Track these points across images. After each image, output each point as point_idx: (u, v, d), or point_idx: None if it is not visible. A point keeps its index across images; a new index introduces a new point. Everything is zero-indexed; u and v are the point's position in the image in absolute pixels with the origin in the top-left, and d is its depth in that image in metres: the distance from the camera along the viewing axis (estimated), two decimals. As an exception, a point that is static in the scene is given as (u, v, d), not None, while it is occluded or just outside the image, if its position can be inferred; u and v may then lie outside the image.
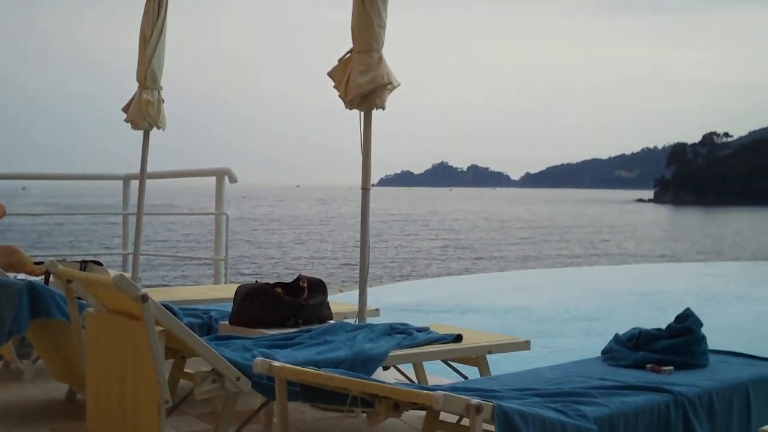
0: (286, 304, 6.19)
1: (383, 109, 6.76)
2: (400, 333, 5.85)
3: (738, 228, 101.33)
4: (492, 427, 3.71)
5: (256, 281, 6.41)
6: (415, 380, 6.42)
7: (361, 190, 6.78)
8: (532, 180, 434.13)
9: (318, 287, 6.43)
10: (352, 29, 6.71)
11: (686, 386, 4.65)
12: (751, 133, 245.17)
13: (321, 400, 4.92)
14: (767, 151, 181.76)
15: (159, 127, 9.05)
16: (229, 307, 6.48)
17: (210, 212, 10.91)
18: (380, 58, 6.69)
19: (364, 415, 4.47)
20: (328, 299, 6.58)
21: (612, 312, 17.53)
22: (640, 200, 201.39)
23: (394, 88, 6.77)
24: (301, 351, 5.31)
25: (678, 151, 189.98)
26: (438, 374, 7.02)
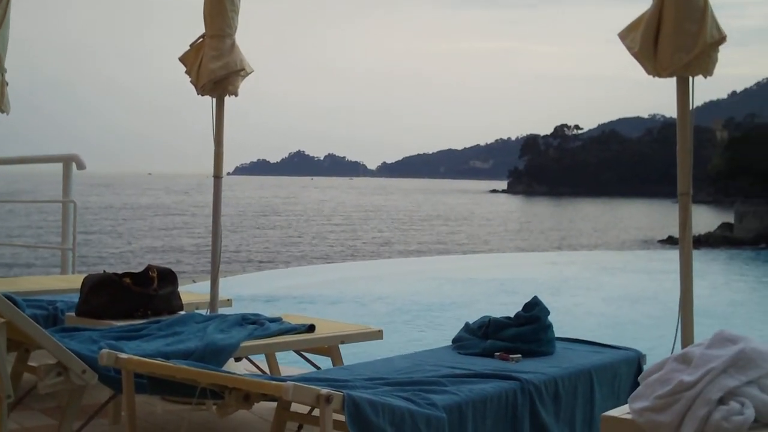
0: (135, 295, 6.06)
1: (236, 95, 6.68)
2: (252, 323, 5.79)
3: (587, 218, 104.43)
4: (342, 417, 3.70)
5: (104, 271, 6.25)
6: (268, 371, 6.38)
7: (213, 179, 6.70)
8: (388, 170, 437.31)
9: (168, 277, 6.31)
10: (204, 13, 6.60)
11: (533, 374, 4.74)
12: (600, 126, 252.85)
13: (170, 393, 4.83)
14: (615, 144, 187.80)
15: (3, 111, 8.72)
16: (76, 298, 6.31)
17: (57, 200, 10.56)
18: (233, 44, 6.61)
19: (215, 407, 4.42)
20: (180, 289, 6.48)
21: (466, 300, 17.80)
22: (494, 190, 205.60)
23: (248, 74, 6.70)
24: (149, 342, 5.20)
25: (530, 142, 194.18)
26: (291, 365, 6.99)
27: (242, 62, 6.60)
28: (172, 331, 5.50)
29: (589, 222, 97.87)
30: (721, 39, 5.05)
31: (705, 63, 5.08)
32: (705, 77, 5.17)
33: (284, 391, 3.60)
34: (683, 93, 5.19)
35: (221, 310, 6.55)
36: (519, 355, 5.13)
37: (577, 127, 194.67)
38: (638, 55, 5.15)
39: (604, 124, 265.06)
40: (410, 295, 18.56)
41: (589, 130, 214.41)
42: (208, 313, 6.37)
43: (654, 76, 5.22)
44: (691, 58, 5.01)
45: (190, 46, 6.66)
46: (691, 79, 5.18)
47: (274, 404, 4.40)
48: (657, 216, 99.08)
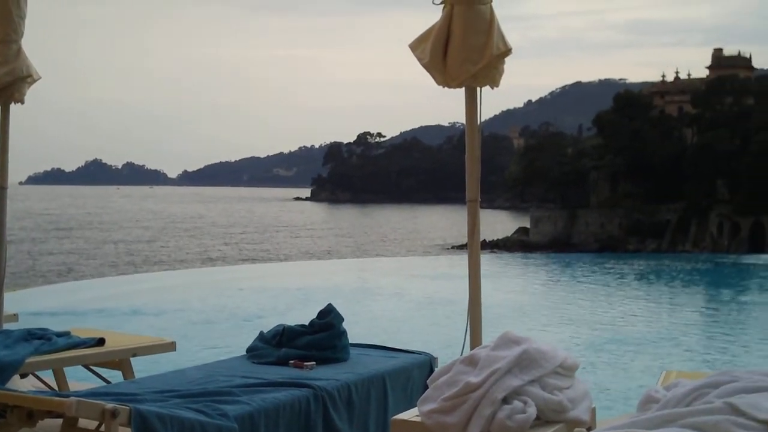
0: None
1: (22, 102, 6.46)
2: (39, 338, 5.59)
3: (390, 225, 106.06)
4: (130, 431, 3.64)
5: None
6: (56, 387, 6.18)
7: (-2, 189, 6.43)
8: (190, 178, 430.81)
9: (-52, 293, 6.02)
10: (-13, 19, 6.34)
11: (326, 380, 4.78)
12: (402, 134, 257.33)
13: (-52, 414, 4.61)
14: (416, 152, 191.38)
15: None
16: None
17: None
18: (19, 50, 6.38)
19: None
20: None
21: (267, 310, 17.72)
22: (298, 198, 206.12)
23: (35, 81, 6.48)
24: (-74, 362, 4.95)
25: (334, 150, 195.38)
26: (83, 380, 6.79)
27: (29, 68, 6.39)
28: (-49, 349, 5.25)
29: (392, 228, 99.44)
30: (507, 51, 5.22)
31: (492, 74, 5.25)
32: (492, 88, 5.33)
33: (68, 407, 3.51)
34: (471, 103, 5.34)
35: (6, 326, 6.30)
36: (313, 363, 5.16)
37: (379, 134, 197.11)
38: (428, 66, 5.27)
39: (406, 132, 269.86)
40: (209, 306, 18.35)
41: (392, 138, 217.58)
42: (-8, 329, 6.10)
43: (444, 87, 5.35)
44: (478, 70, 5.16)
45: (-27, 51, 6.38)
46: (478, 89, 5.33)
47: (61, 421, 4.27)
48: (457, 222, 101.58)
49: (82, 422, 4.16)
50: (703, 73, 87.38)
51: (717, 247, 63.32)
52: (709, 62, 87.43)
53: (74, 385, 6.30)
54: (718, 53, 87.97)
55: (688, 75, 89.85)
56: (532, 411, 3.92)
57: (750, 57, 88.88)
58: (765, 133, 62.80)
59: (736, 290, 22.66)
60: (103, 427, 4.09)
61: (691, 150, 70.21)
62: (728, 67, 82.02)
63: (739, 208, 63.95)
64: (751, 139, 64.13)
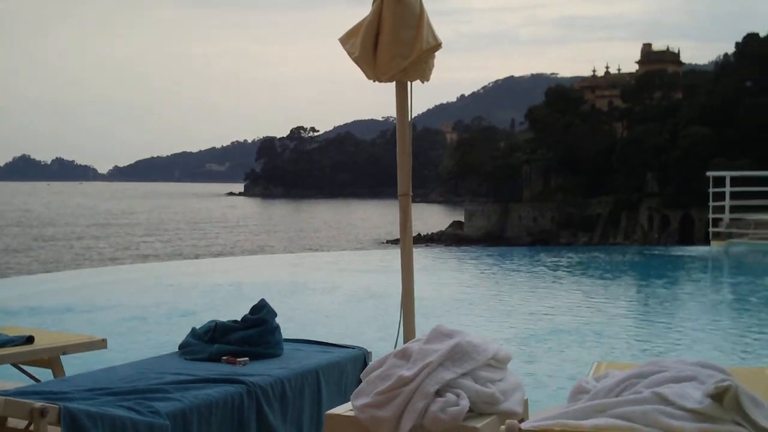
0: None
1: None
2: (-35, 337, 5.51)
3: (324, 219, 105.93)
4: (60, 430, 3.59)
5: None
6: (-15, 386, 6.08)
7: None
8: (120, 173, 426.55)
9: None
10: None
11: (259, 376, 4.76)
12: (336, 128, 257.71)
13: None
14: (350, 146, 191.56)
15: None
16: None
17: None
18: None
19: None
20: None
21: (202, 306, 17.56)
22: (231, 193, 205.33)
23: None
24: None
25: (267, 145, 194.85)
26: (12, 379, 6.69)
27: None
28: None
29: (326, 223, 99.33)
30: (437, 45, 5.24)
31: (422, 69, 5.27)
32: (423, 82, 5.35)
33: (-6, 407, 3.45)
34: (402, 98, 5.35)
35: (-67, 325, 6.18)
36: (246, 358, 5.14)
37: (313, 129, 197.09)
38: (358, 61, 5.26)
39: (339, 127, 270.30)
40: (142, 302, 18.13)
41: (326, 132, 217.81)
42: None
43: (374, 81, 5.35)
44: (408, 64, 5.17)
45: None
46: (409, 84, 5.34)
47: (-11, 421, 4.21)
48: (392, 216, 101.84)
49: (11, 422, 4.10)
50: (632, 67, 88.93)
51: (647, 239, 64.32)
52: (638, 57, 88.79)
53: (2, 384, 6.19)
54: (647, 48, 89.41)
55: (618, 70, 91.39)
56: (464, 403, 3.95)
57: (678, 52, 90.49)
58: (693, 127, 63.85)
59: (666, 281, 23.01)
60: (32, 427, 4.04)
61: (622, 144, 71.20)
62: (657, 62, 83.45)
63: (668, 201, 65.01)
64: (679, 133, 65.18)
